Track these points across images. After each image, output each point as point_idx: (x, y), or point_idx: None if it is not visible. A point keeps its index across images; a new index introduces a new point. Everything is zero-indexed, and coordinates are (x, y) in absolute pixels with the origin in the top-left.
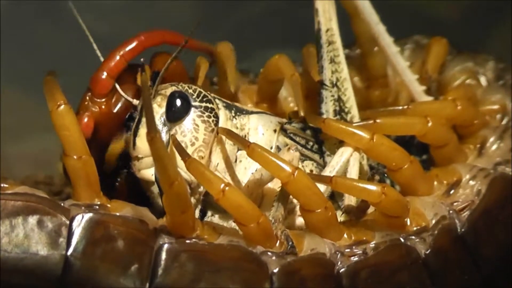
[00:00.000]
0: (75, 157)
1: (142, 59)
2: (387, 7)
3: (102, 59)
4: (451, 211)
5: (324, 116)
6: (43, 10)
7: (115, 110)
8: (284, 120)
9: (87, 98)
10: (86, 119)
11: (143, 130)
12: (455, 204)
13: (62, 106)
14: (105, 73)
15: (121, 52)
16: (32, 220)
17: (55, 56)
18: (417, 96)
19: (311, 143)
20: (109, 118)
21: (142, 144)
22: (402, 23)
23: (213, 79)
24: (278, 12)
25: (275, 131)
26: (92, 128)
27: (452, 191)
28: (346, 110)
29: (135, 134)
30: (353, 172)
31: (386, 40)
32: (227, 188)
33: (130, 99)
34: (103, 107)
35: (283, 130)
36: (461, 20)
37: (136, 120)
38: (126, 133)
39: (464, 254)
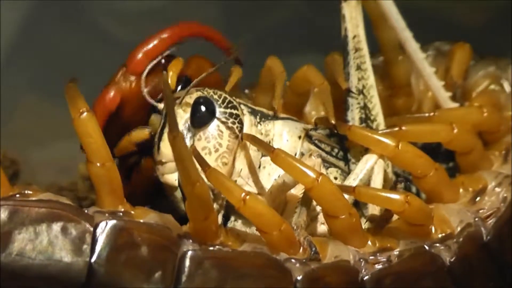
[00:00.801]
0: (98, 164)
1: (163, 60)
2: (411, 13)
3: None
4: (476, 219)
5: (350, 124)
6: (64, 16)
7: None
8: (310, 127)
9: (120, 73)
10: (113, 93)
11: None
12: (480, 211)
13: (85, 114)
14: (142, 53)
15: (162, 35)
16: (56, 227)
17: (78, 62)
18: (443, 102)
19: (336, 150)
20: (136, 97)
21: (166, 149)
22: (426, 30)
23: (245, 90)
24: (302, 19)
25: (299, 137)
26: (117, 103)
27: (478, 198)
28: (372, 117)
29: (159, 139)
30: (377, 180)
31: (413, 46)
32: (247, 196)
33: (155, 103)
34: (133, 85)
35: (308, 137)
36: (484, 26)
37: (161, 124)
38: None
39: (490, 262)
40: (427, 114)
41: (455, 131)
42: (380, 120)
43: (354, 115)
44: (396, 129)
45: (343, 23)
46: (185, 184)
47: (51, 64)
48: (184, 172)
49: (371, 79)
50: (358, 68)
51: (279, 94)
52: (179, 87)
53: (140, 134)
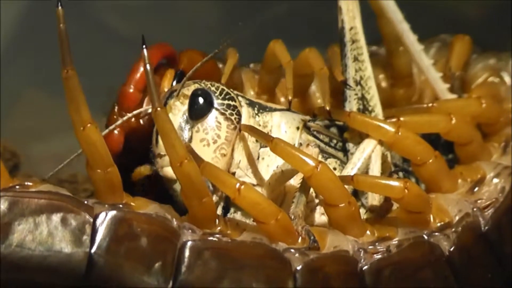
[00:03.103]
0: (99, 170)
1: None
2: (416, 6)
3: None
4: (475, 209)
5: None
6: (68, 11)
7: (142, 122)
8: (308, 118)
9: (115, 112)
10: (116, 135)
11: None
12: (479, 201)
13: (88, 126)
14: (132, 87)
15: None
16: (56, 218)
17: (79, 57)
18: (440, 94)
19: (335, 141)
20: (138, 129)
21: None
22: (431, 23)
23: (250, 65)
24: (302, 12)
25: (298, 128)
26: (123, 143)
27: (476, 189)
28: (370, 108)
29: (157, 132)
30: (375, 169)
31: (410, 38)
32: (242, 186)
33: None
34: (131, 120)
35: (306, 128)
36: (489, 19)
37: None
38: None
39: (488, 252)
40: (425, 105)
41: (453, 121)
42: (378, 110)
43: (352, 106)
44: (394, 120)
45: (339, 15)
46: (173, 162)
47: (52, 58)
48: (170, 147)
49: (368, 70)
50: (355, 59)
51: (291, 86)
52: (175, 81)
53: (143, 170)
